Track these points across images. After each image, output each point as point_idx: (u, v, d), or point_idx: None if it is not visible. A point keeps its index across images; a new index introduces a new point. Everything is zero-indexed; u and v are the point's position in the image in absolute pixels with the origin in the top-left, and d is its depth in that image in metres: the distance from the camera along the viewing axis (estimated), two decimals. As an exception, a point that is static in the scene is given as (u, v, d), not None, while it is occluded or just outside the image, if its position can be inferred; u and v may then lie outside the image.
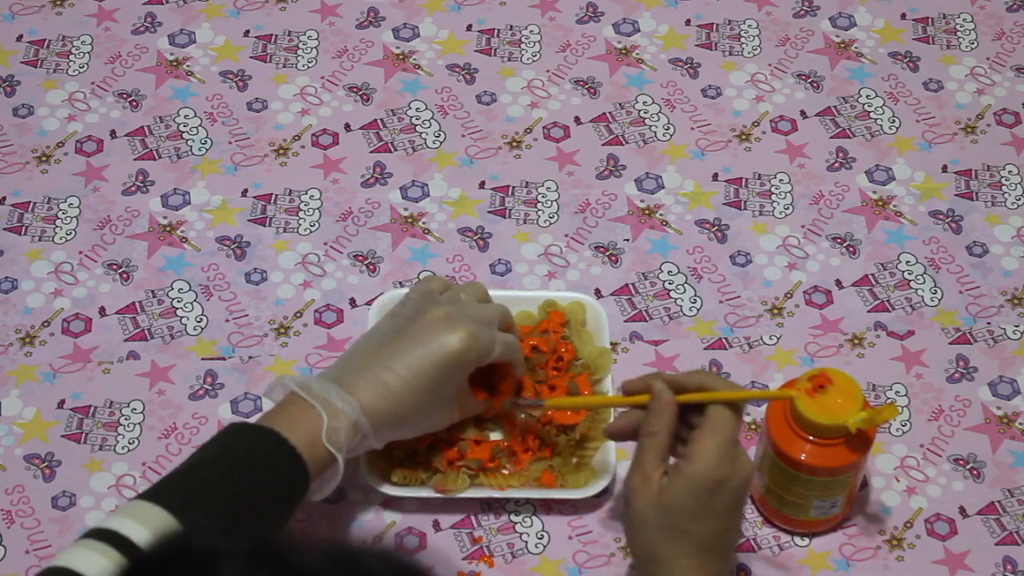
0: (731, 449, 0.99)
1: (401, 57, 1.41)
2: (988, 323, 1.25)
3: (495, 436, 1.15)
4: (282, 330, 1.24)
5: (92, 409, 1.19)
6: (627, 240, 1.29)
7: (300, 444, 1.01)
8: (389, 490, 1.12)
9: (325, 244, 1.29)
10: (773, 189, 1.32)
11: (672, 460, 1.02)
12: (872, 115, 1.37)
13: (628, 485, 1.01)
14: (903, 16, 1.45)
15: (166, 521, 0.95)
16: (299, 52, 1.41)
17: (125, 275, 1.27)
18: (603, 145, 1.35)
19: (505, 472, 1.13)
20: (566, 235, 1.29)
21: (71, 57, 1.41)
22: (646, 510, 0.99)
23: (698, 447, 0.99)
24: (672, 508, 0.98)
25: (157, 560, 0.69)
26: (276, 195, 1.32)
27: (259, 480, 1.00)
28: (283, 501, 1.02)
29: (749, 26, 1.44)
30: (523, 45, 1.42)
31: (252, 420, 1.04)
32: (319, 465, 1.02)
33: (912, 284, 1.27)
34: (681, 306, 1.25)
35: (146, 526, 0.94)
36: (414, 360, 1.05)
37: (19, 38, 1.42)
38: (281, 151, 1.35)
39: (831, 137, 1.36)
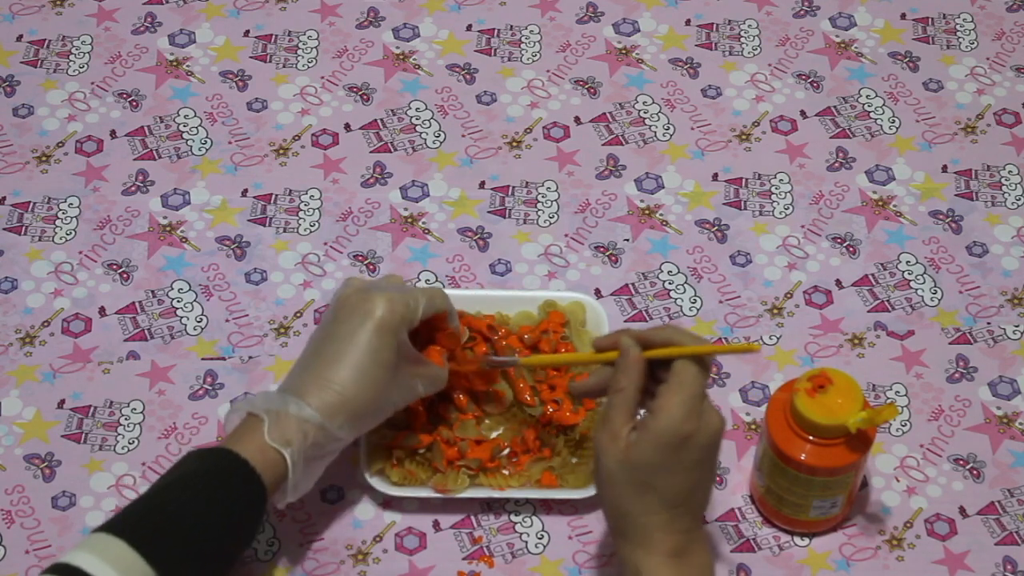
0: (697, 404, 0.98)
1: (401, 57, 1.41)
2: (988, 323, 1.25)
3: (495, 435, 1.14)
4: (282, 330, 1.24)
5: (92, 409, 1.20)
6: (627, 240, 1.29)
7: (248, 453, 1.01)
8: (389, 490, 1.12)
9: (325, 244, 1.29)
10: (773, 189, 1.32)
11: (641, 415, 1.02)
12: (872, 115, 1.37)
13: (597, 443, 1.00)
14: (903, 16, 1.45)
15: (123, 552, 0.95)
16: (299, 52, 1.41)
17: (125, 275, 1.27)
18: (603, 145, 1.35)
19: (505, 472, 1.13)
20: (566, 235, 1.29)
21: (71, 57, 1.41)
22: (614, 467, 0.99)
23: (664, 402, 0.98)
24: (639, 464, 0.98)
25: None
26: (276, 195, 1.32)
27: (213, 497, 1.00)
28: (242, 513, 1.01)
29: (749, 26, 1.44)
30: (523, 45, 1.42)
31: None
32: (274, 471, 1.02)
33: (912, 284, 1.27)
34: (681, 306, 1.25)
35: (108, 561, 0.94)
36: (343, 340, 1.05)
37: (19, 38, 1.42)
38: (281, 151, 1.35)
39: (831, 137, 1.36)
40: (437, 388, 1.11)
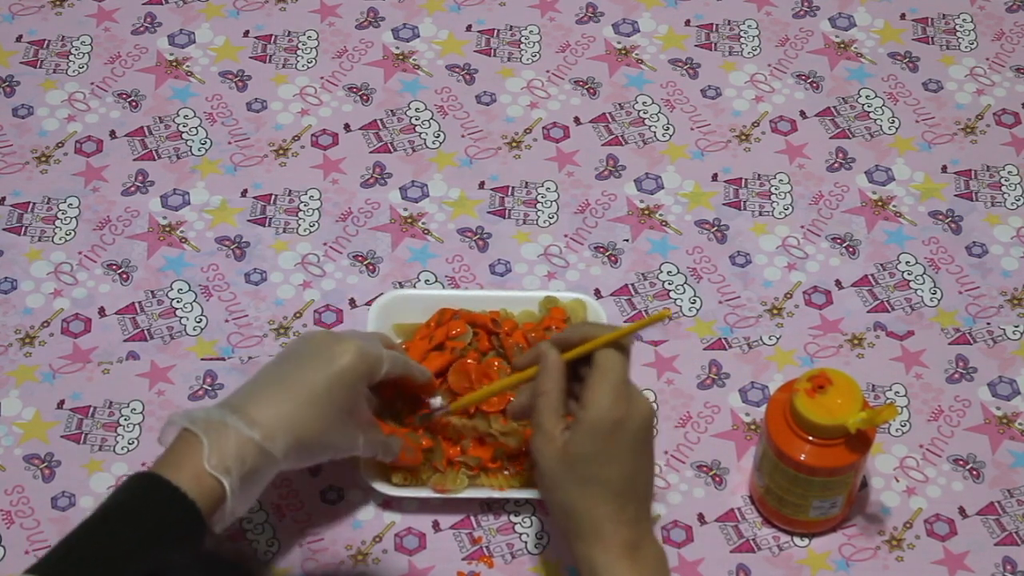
0: (623, 389, 1.00)
1: (401, 57, 1.41)
2: (988, 323, 1.25)
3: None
4: (282, 330, 1.24)
5: (92, 409, 1.19)
6: (627, 240, 1.29)
7: (184, 480, 0.95)
8: (389, 490, 1.12)
9: (325, 244, 1.29)
10: (773, 189, 1.32)
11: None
12: (872, 115, 1.37)
13: (532, 448, 1.02)
14: (903, 16, 1.45)
15: None
16: (299, 52, 1.41)
17: (125, 275, 1.27)
18: (603, 145, 1.35)
19: (506, 473, 1.13)
20: (566, 235, 1.29)
21: (71, 57, 1.41)
22: (554, 467, 1.00)
23: (590, 393, 1.00)
24: (577, 458, 0.99)
25: None
26: (276, 195, 1.32)
27: (142, 529, 0.94)
28: (177, 543, 0.95)
29: (749, 26, 1.44)
30: (523, 45, 1.42)
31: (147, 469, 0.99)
32: (211, 495, 0.96)
33: (912, 284, 1.27)
34: (681, 306, 1.25)
35: None
36: (307, 374, 1.01)
37: (19, 38, 1.42)
38: (281, 151, 1.35)
39: (831, 137, 1.36)
40: (382, 455, 1.08)
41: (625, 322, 1.24)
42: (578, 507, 1.00)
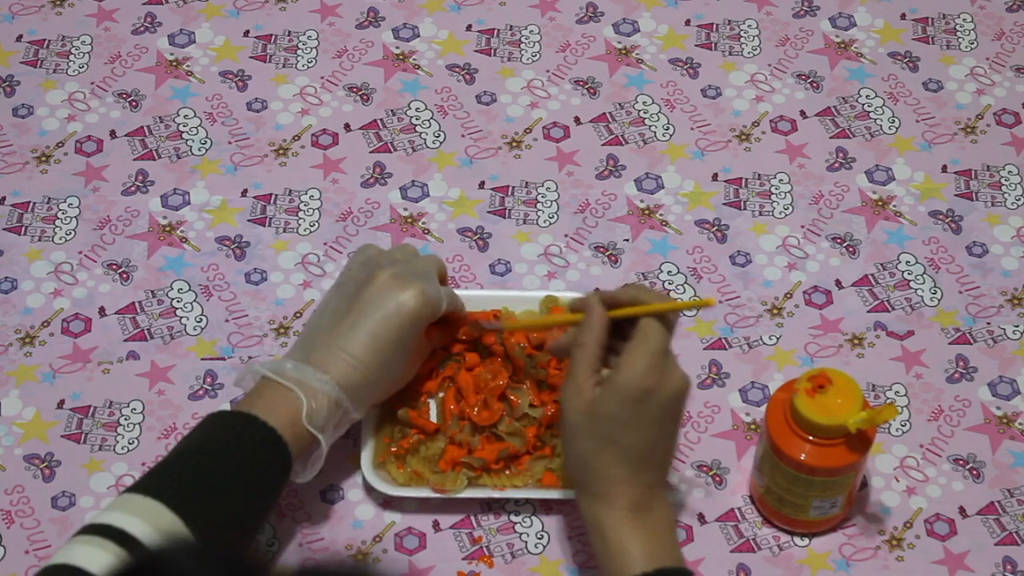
0: (660, 360, 1.00)
1: (401, 57, 1.41)
2: (988, 323, 1.25)
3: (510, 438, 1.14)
4: (282, 330, 1.24)
5: (92, 409, 1.20)
6: (627, 240, 1.29)
7: (281, 427, 1.03)
8: (389, 490, 1.12)
9: (325, 244, 1.29)
10: (773, 189, 1.32)
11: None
12: (872, 115, 1.37)
13: (562, 396, 1.03)
14: (903, 16, 1.45)
15: (158, 511, 0.97)
16: (299, 52, 1.41)
17: (125, 275, 1.27)
18: (603, 145, 1.35)
19: (506, 473, 1.13)
20: (566, 235, 1.29)
21: (71, 57, 1.41)
22: (578, 420, 1.01)
23: (627, 357, 1.00)
24: (602, 417, 1.00)
25: None
26: (276, 195, 1.32)
27: (242, 465, 1.02)
28: (267, 485, 1.04)
29: (749, 26, 1.44)
30: (523, 45, 1.42)
31: (230, 408, 1.06)
32: (301, 447, 1.04)
33: (912, 284, 1.27)
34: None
35: (141, 517, 0.96)
36: (376, 326, 1.07)
37: (19, 38, 1.42)
38: (281, 151, 1.35)
39: (831, 137, 1.36)
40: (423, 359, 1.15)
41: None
42: (593, 463, 1.01)
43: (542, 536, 1.14)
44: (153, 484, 1.00)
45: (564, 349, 1.07)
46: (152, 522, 0.95)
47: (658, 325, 1.01)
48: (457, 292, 1.20)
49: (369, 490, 1.14)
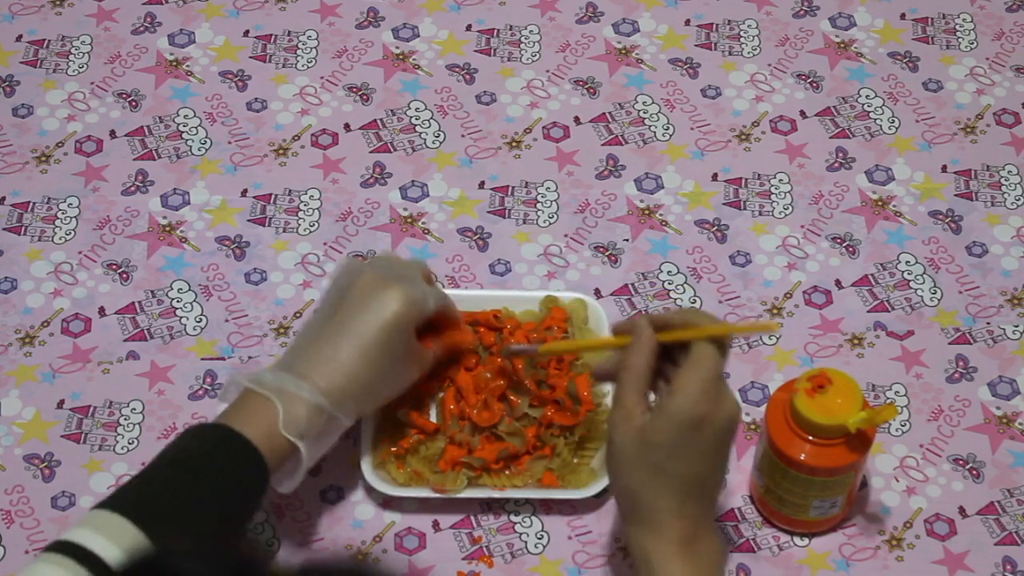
0: (714, 385, 0.97)
1: (401, 57, 1.41)
2: (988, 323, 1.25)
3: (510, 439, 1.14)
4: (282, 330, 1.24)
5: (92, 409, 1.19)
6: (627, 240, 1.29)
7: (256, 437, 1.00)
8: (389, 490, 1.12)
9: (325, 244, 1.29)
10: (773, 189, 1.32)
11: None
12: (872, 115, 1.37)
13: (610, 421, 0.99)
14: (903, 16, 1.45)
15: (124, 528, 0.94)
16: (299, 52, 1.41)
17: (125, 275, 1.27)
18: (603, 145, 1.35)
19: (506, 473, 1.13)
20: (566, 235, 1.29)
21: (71, 57, 1.41)
22: (627, 446, 0.98)
23: (679, 383, 0.97)
24: (653, 445, 0.97)
25: None
26: (276, 195, 1.32)
27: (215, 479, 1.00)
28: (243, 496, 1.01)
29: (749, 26, 1.44)
30: (523, 45, 1.42)
31: (210, 421, 1.04)
32: (279, 456, 1.02)
33: (912, 284, 1.27)
34: (680, 306, 1.25)
35: (105, 535, 0.93)
36: (360, 328, 1.06)
37: (19, 38, 1.42)
38: (281, 151, 1.35)
39: (831, 137, 1.36)
40: (426, 371, 1.12)
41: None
42: (641, 494, 0.98)
43: (542, 536, 1.14)
44: (121, 500, 0.97)
45: (609, 373, 1.04)
46: (117, 540, 0.93)
47: (713, 349, 0.98)
48: (457, 292, 1.21)
49: (369, 490, 1.14)
